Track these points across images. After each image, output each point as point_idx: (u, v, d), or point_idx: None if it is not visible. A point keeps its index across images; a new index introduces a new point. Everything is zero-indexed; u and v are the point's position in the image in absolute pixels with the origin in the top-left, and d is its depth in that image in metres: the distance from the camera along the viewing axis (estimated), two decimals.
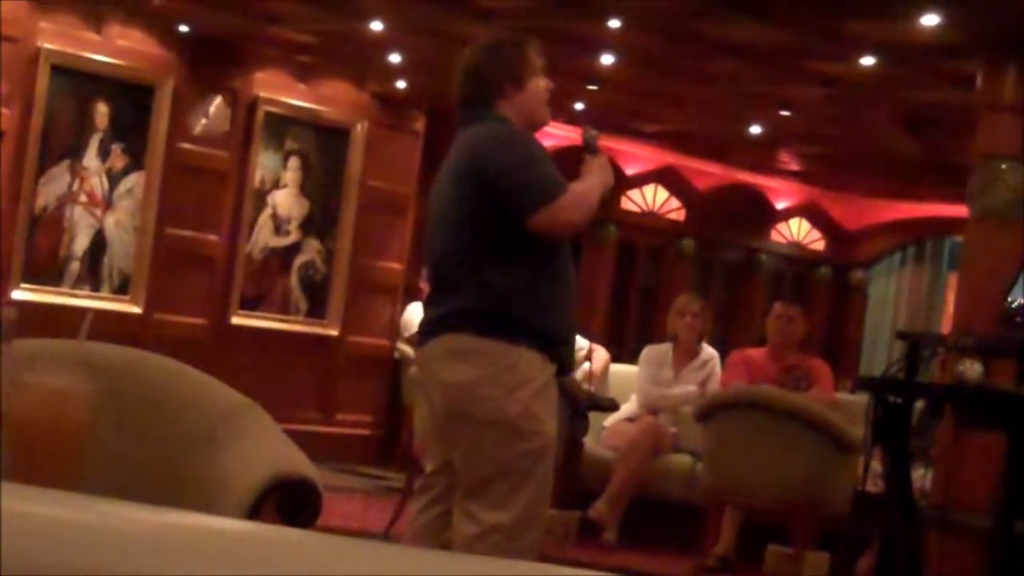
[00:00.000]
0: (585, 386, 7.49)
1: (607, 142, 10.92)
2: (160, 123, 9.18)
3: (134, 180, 9.13)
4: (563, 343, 4.05)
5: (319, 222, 10.11)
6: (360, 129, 10.19)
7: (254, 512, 2.81)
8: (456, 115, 4.17)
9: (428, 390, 4.09)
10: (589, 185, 4.03)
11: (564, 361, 4.06)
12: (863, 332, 13.39)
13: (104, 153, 8.99)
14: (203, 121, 9.46)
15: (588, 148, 4.17)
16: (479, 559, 1.30)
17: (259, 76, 9.70)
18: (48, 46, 8.64)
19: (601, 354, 8.33)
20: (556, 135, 9.37)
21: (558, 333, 4.00)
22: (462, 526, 3.92)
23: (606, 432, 7.83)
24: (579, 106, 9.76)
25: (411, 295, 10.02)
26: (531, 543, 3.90)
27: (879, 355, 12.88)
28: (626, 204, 12.13)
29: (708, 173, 12.48)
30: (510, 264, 3.90)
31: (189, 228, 9.43)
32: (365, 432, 10.41)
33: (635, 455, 7.47)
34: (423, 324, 4.09)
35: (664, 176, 12.31)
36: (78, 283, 8.92)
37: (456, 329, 3.92)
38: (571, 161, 4.18)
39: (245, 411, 3.24)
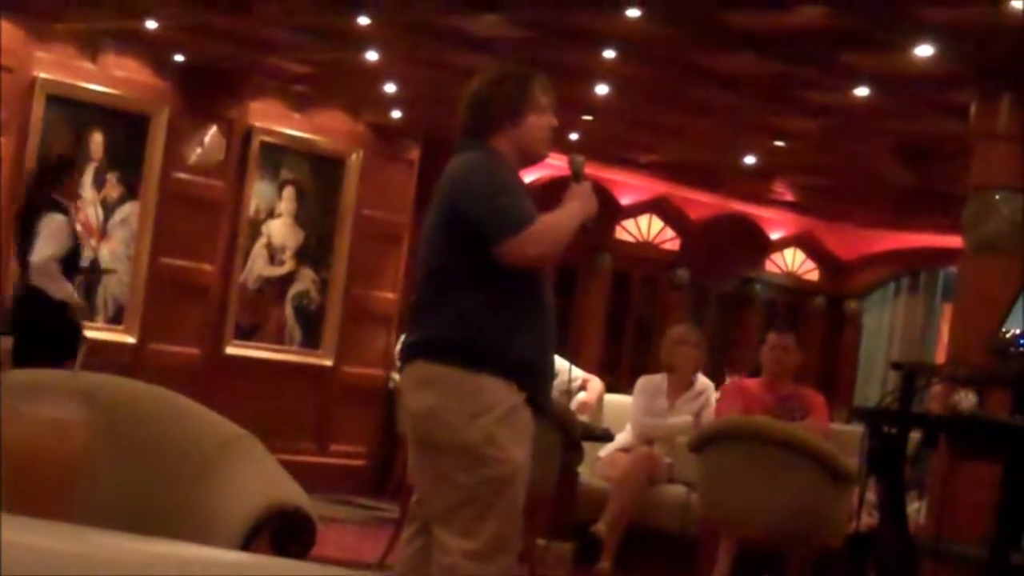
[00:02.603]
0: (580, 416, 7.48)
1: (602, 172, 11.03)
2: (155, 152, 9.19)
3: (129, 209, 9.13)
4: (534, 372, 4.00)
5: (314, 252, 10.11)
6: (355, 159, 10.21)
7: (248, 543, 2.80)
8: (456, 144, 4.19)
9: (404, 418, 4.10)
10: (563, 215, 4.00)
11: (538, 392, 4.00)
12: (857, 362, 13.39)
13: (99, 182, 8.99)
14: (198, 151, 9.47)
15: (573, 175, 4.16)
16: None
17: (254, 106, 9.71)
18: (44, 75, 8.65)
19: (596, 384, 8.33)
20: (550, 164, 9.36)
21: (527, 361, 3.96)
22: (437, 555, 3.92)
23: (601, 462, 7.81)
24: (574, 136, 9.77)
25: (405, 325, 10.01)
26: (501, 570, 3.88)
27: (873, 385, 12.87)
28: (620, 234, 12.14)
29: (702, 203, 12.49)
30: (478, 292, 3.89)
31: (184, 258, 9.43)
32: (359, 463, 10.39)
33: (630, 485, 7.45)
34: (400, 352, 4.16)
35: (658, 206, 12.33)
36: None
37: (423, 356, 3.94)
38: (562, 191, 4.16)
39: (239, 441, 3.23)
